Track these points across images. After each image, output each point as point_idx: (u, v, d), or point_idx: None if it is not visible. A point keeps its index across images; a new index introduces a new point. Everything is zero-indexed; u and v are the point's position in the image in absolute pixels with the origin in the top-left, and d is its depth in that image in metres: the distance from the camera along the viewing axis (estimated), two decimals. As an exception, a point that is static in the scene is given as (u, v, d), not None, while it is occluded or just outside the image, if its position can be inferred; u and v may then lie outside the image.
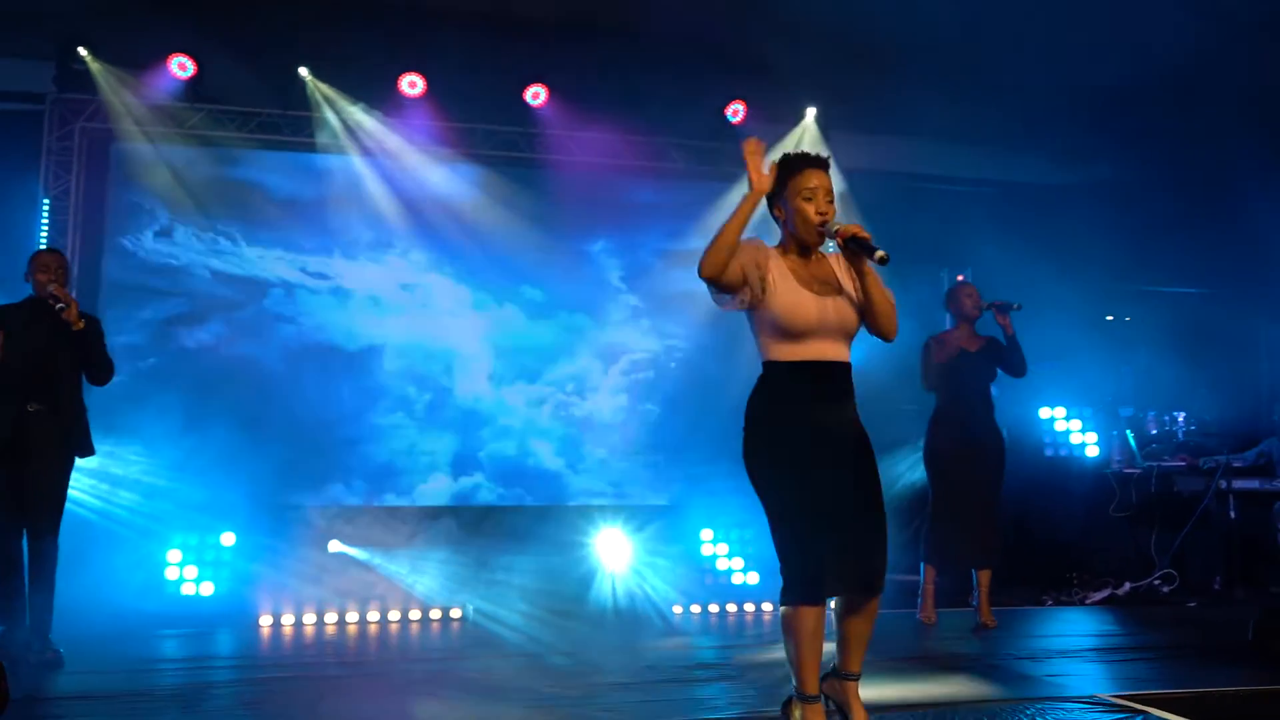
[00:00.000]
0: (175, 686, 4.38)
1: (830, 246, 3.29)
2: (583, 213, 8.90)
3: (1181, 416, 8.55)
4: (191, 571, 7.28)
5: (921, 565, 6.12)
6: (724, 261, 3.11)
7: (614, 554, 7.48)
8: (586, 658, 4.76)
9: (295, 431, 8.00)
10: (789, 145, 9.31)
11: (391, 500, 8.35)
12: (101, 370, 4.96)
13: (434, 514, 7.97)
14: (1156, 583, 6.76)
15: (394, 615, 6.65)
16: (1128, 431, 7.58)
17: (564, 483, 8.72)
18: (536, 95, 8.84)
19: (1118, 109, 9.01)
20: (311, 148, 8.48)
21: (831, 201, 3.27)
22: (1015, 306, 6.03)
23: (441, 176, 8.66)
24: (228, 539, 7.40)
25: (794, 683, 3.19)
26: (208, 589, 7.24)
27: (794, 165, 3.29)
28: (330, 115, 8.41)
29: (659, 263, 9.09)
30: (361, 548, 7.09)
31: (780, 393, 3.20)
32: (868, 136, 9.91)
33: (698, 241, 8.92)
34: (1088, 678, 4.01)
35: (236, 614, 6.74)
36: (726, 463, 8.56)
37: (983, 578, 5.83)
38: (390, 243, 8.65)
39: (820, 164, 3.32)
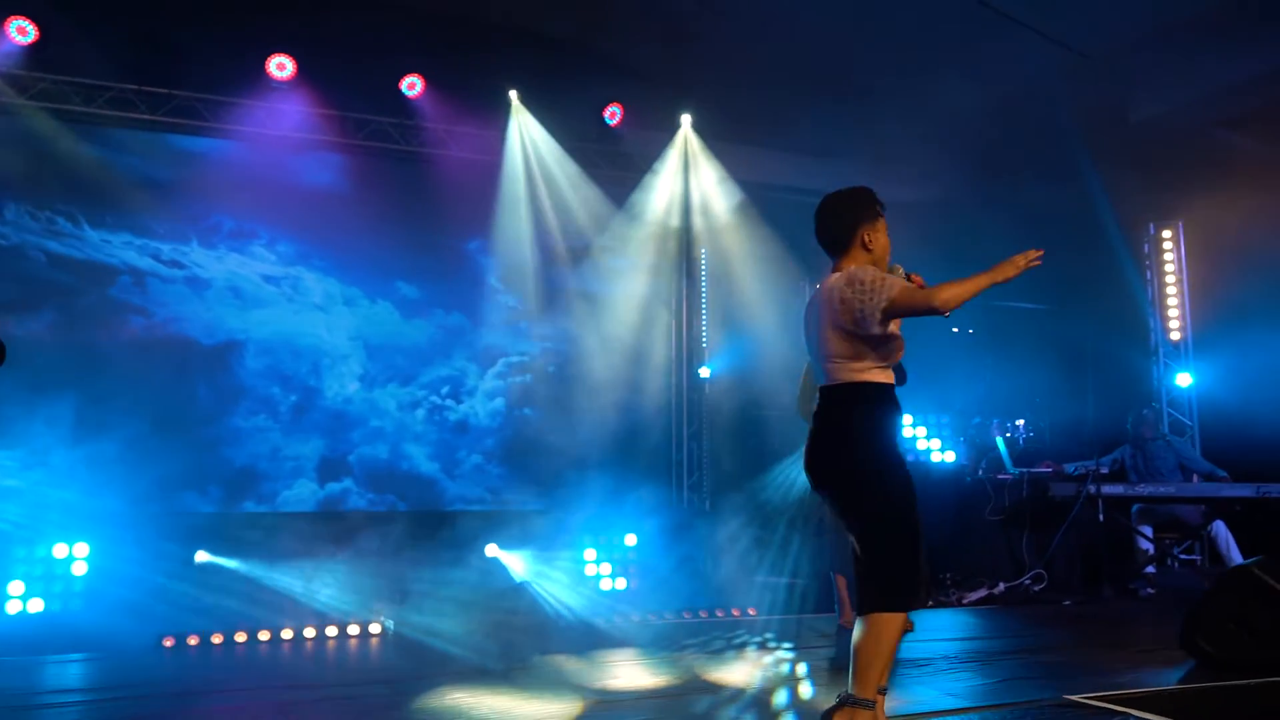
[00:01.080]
0: None
1: None
2: (459, 210, 8.60)
3: (1020, 423, 9.02)
4: (17, 587, 6.41)
5: (832, 574, 6.13)
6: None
7: (518, 563, 7.14)
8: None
9: (143, 432, 7.32)
10: (674, 151, 9.34)
11: (251, 507, 7.78)
12: None
13: (313, 520, 7.44)
14: (1027, 582, 7.06)
15: (287, 634, 5.83)
16: (999, 440, 7.92)
17: (440, 488, 8.36)
18: (413, 86, 8.49)
19: (963, 133, 9.43)
20: (170, 127, 7.87)
21: None
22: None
23: (311, 165, 8.22)
24: (60, 550, 6.55)
25: (856, 685, 3.04)
26: (36, 605, 6.41)
27: (880, 204, 3.39)
28: (195, 94, 7.81)
29: (537, 264, 8.88)
30: (234, 559, 6.50)
31: (889, 413, 3.25)
32: (742, 146, 10.05)
33: (573, 243, 8.95)
34: (1037, 680, 4.05)
35: (75, 636, 5.86)
36: (605, 467, 8.60)
37: None
38: (255, 232, 8.11)
39: (881, 210, 3.42)
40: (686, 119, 9.49)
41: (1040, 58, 8.53)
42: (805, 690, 4.11)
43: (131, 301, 7.73)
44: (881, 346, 3.21)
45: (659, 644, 5.27)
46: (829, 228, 3.38)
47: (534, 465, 8.62)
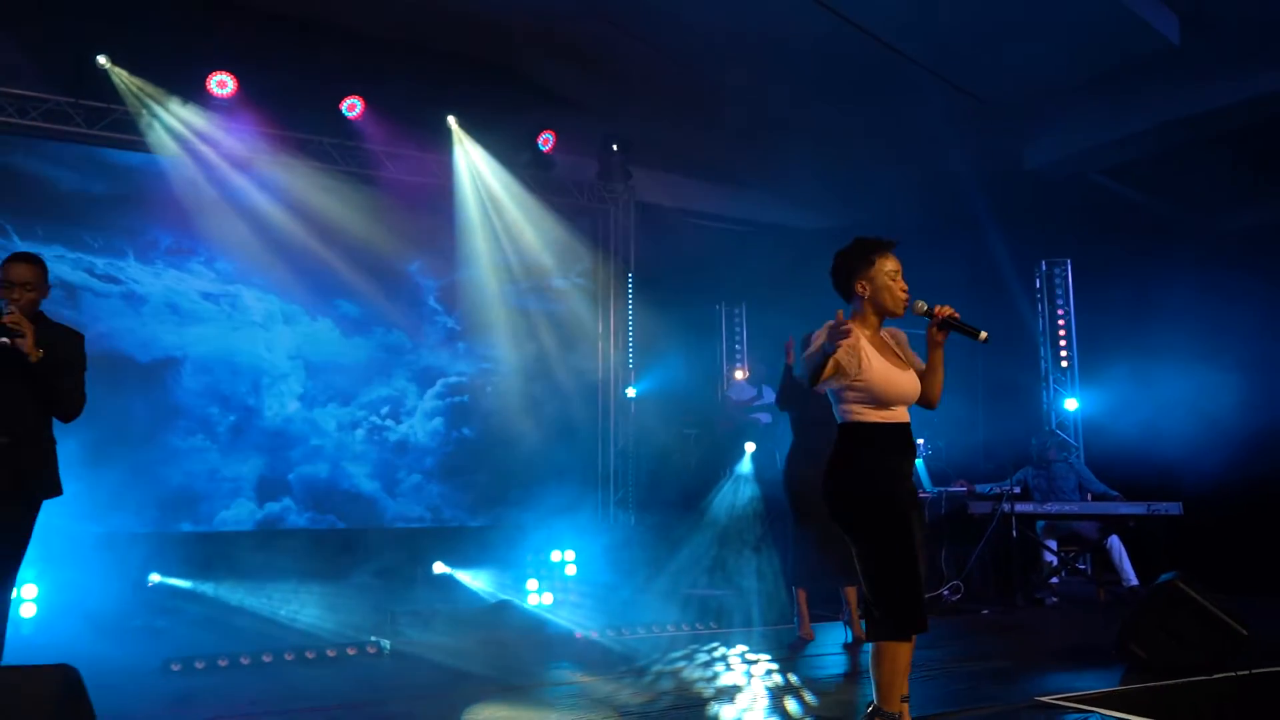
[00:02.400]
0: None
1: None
2: (401, 231, 8.73)
3: (921, 441, 9.68)
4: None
5: (793, 588, 6.52)
6: (820, 378, 3.42)
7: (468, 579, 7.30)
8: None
9: (74, 452, 7.19)
10: (610, 181, 9.67)
11: (188, 528, 7.73)
12: (64, 402, 4.15)
13: (262, 539, 7.45)
14: (946, 593, 7.66)
15: (289, 656, 5.51)
16: (919, 460, 8.51)
17: (380, 506, 8.46)
18: (353, 107, 8.58)
19: (866, 169, 10.05)
20: (107, 142, 7.77)
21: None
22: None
23: (252, 183, 8.20)
24: None
25: (881, 700, 3.40)
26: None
27: (880, 248, 3.58)
28: (134, 109, 7.74)
29: (476, 285, 9.08)
30: (186, 579, 6.49)
31: (875, 451, 3.49)
32: (663, 174, 10.47)
33: (511, 265, 9.18)
34: (998, 685, 4.54)
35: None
36: (539, 484, 8.85)
37: (850, 594, 6.32)
38: (194, 249, 8.06)
39: (893, 246, 3.62)
40: (615, 148, 9.81)
41: (944, 103, 9.22)
42: (810, 698, 4.47)
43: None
44: (854, 391, 3.47)
45: (642, 657, 5.52)
46: (836, 284, 3.68)
47: (473, 483, 8.82)
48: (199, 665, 5.02)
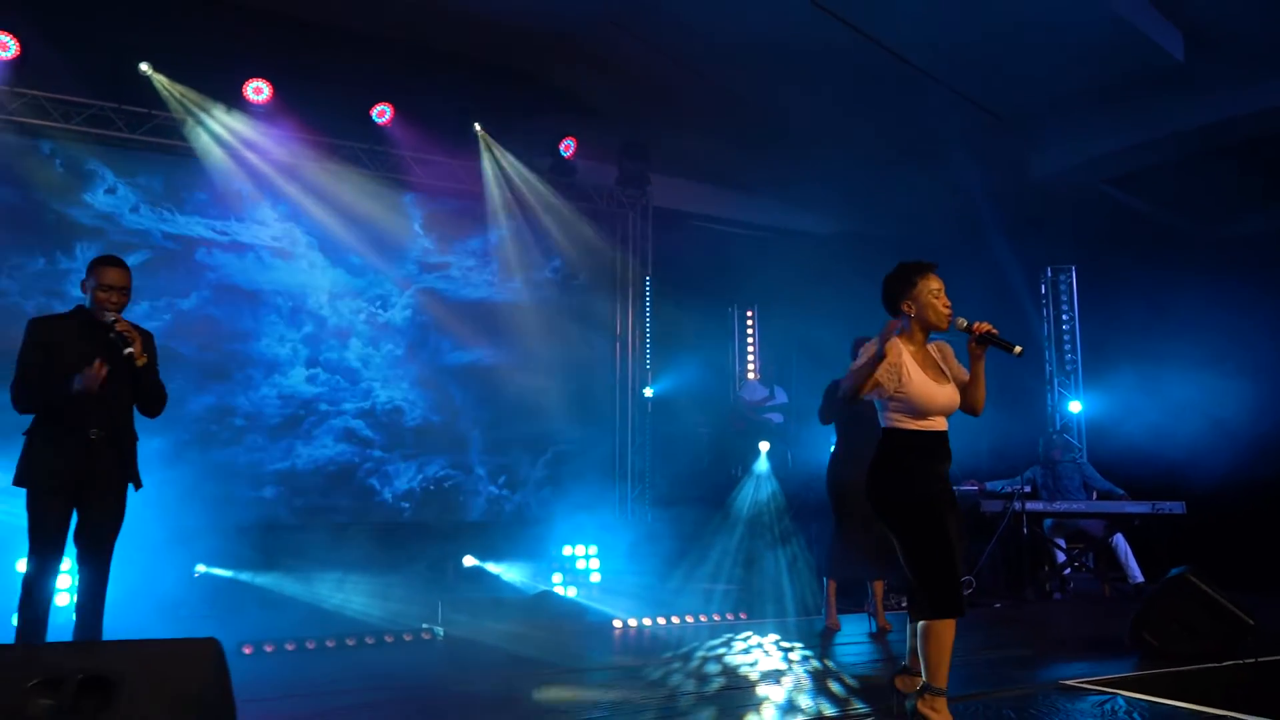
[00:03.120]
0: None
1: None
2: (432, 229, 9.07)
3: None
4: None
5: (824, 579, 6.81)
6: (862, 391, 3.77)
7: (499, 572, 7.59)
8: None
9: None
10: (628, 186, 9.95)
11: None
12: (156, 404, 4.46)
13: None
14: (958, 586, 7.92)
15: (350, 641, 5.78)
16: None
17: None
18: (383, 114, 8.84)
19: (879, 177, 10.35)
20: (147, 146, 8.05)
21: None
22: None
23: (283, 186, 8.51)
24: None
25: (930, 677, 3.73)
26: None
27: (921, 270, 3.93)
28: (177, 114, 8.02)
29: (500, 286, 9.37)
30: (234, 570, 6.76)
31: (916, 455, 3.83)
32: (680, 179, 10.74)
33: (539, 260, 9.45)
34: (1024, 670, 4.83)
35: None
36: (560, 480, 9.14)
37: (878, 588, 6.63)
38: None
39: (934, 268, 3.97)
40: (634, 155, 10.08)
41: (955, 114, 9.52)
42: (850, 680, 4.74)
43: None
44: (896, 401, 3.82)
45: (684, 644, 5.78)
46: (885, 305, 4.04)
47: (493, 473, 9.11)
48: (268, 649, 5.29)
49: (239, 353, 8.26)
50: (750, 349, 11.31)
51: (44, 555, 4.11)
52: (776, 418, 10.17)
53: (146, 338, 4.46)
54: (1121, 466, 9.03)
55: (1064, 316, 10.07)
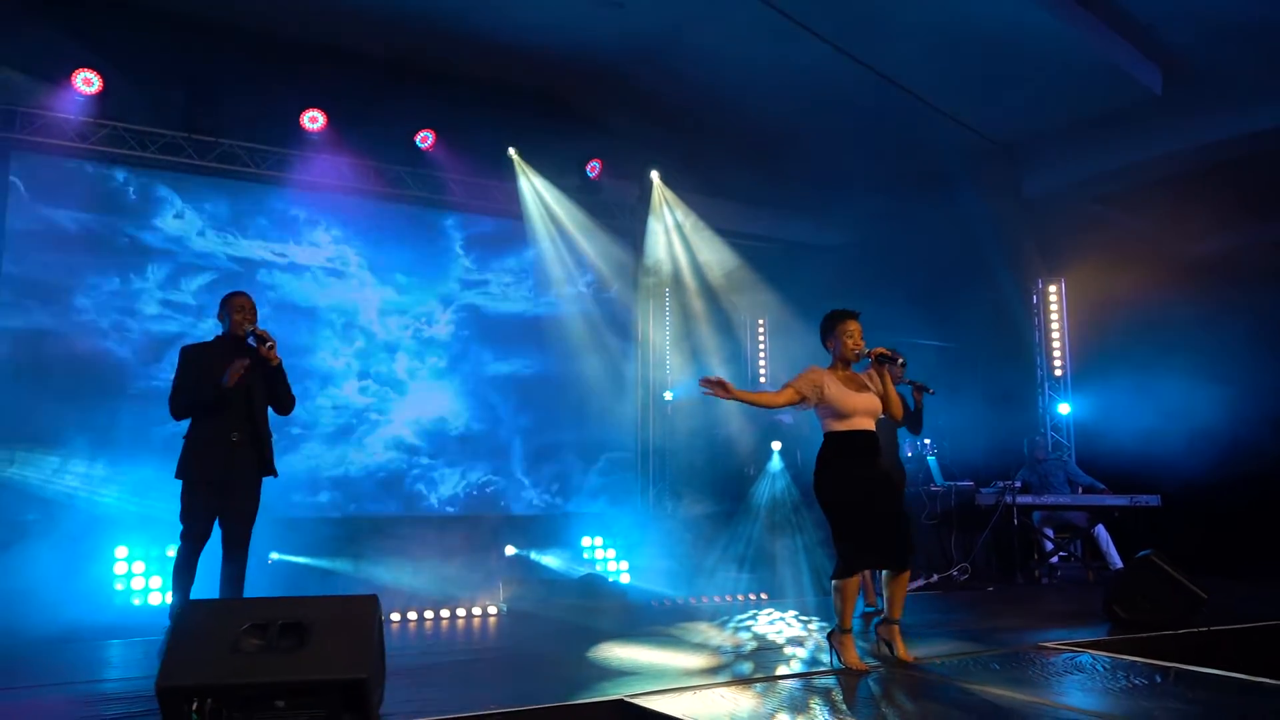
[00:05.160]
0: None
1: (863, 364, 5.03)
2: (473, 246, 9.86)
3: (928, 441, 10.73)
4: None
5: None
6: (773, 407, 4.94)
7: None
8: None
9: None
10: (651, 205, 10.75)
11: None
12: (287, 401, 5.30)
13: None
14: (956, 574, 8.73)
15: (411, 615, 6.77)
16: (930, 459, 9.58)
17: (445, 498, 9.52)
18: (425, 139, 9.62)
19: (884, 195, 11.10)
20: (215, 172, 8.81)
21: (861, 336, 4.94)
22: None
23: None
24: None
25: (839, 622, 4.72)
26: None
27: (841, 317, 4.98)
28: (238, 142, 8.82)
29: (535, 295, 10.16)
30: (304, 557, 7.56)
31: (844, 456, 4.81)
32: (697, 196, 11.50)
33: (574, 273, 10.23)
34: (1008, 635, 5.61)
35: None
36: (588, 476, 9.93)
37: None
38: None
39: (855, 315, 5.00)
40: (656, 174, 10.87)
41: (953, 138, 10.32)
42: (861, 643, 5.51)
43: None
44: (823, 408, 4.81)
45: (718, 617, 6.58)
46: (821, 334, 5.07)
47: (530, 472, 9.90)
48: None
49: (296, 366, 8.88)
50: (762, 355, 12.10)
51: (192, 540, 4.93)
52: (787, 419, 10.95)
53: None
54: (1105, 463, 9.80)
55: (1054, 326, 10.84)
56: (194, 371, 5.08)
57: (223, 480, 4.98)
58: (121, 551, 7.46)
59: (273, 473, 5.20)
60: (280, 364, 5.19)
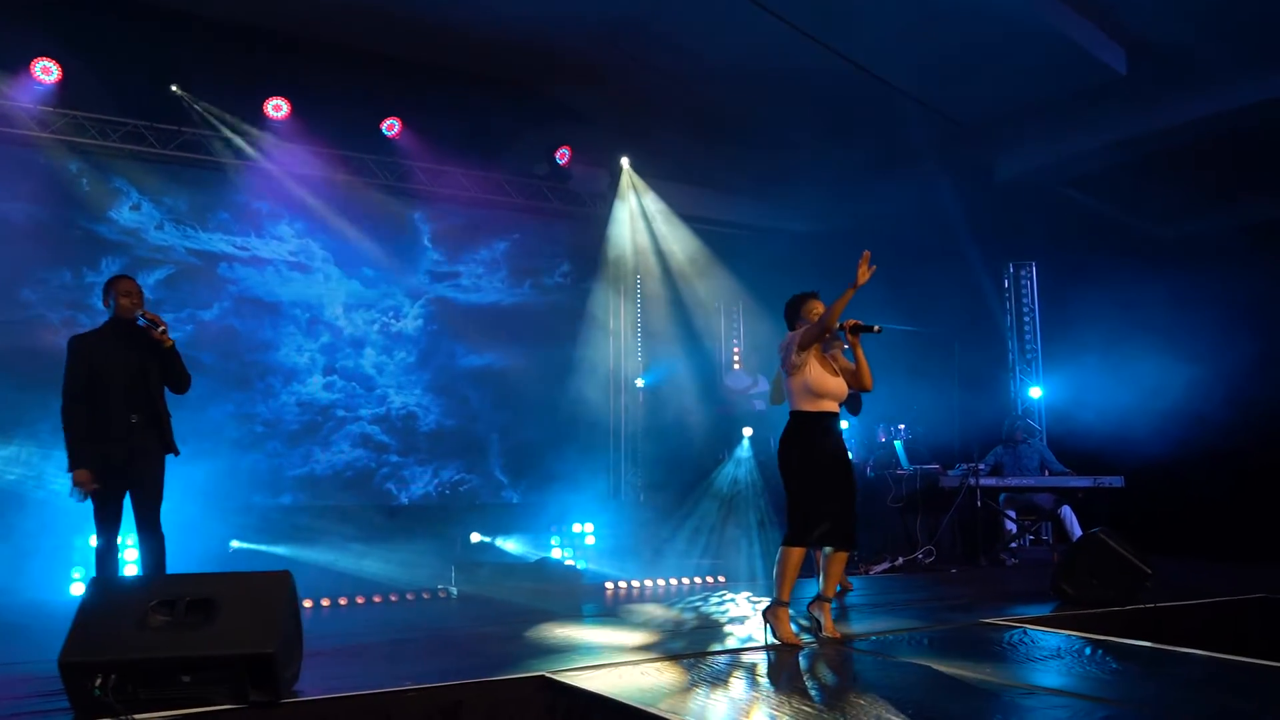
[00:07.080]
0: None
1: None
2: (446, 238, 9.86)
3: (902, 426, 10.73)
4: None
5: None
6: (821, 338, 4.86)
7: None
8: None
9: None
10: (620, 191, 10.74)
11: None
12: (184, 381, 5.26)
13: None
14: (920, 556, 8.73)
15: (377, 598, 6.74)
16: (897, 442, 9.58)
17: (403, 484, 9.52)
18: (391, 127, 9.59)
19: (853, 181, 11.10)
20: (177, 160, 8.79)
21: None
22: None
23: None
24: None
25: (776, 594, 4.79)
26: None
27: (806, 298, 5.12)
28: (200, 130, 8.79)
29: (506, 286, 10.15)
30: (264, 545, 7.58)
31: (807, 430, 4.89)
32: (667, 183, 11.49)
33: (538, 267, 10.23)
34: (955, 614, 5.62)
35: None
36: (561, 462, 9.93)
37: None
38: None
39: (816, 294, 5.14)
40: (625, 161, 10.86)
41: (923, 122, 10.30)
42: (804, 621, 5.52)
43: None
44: (798, 384, 4.85)
45: (665, 600, 6.62)
46: (787, 318, 5.19)
47: (504, 464, 9.89)
48: (307, 604, 6.09)
49: (259, 362, 8.95)
50: (735, 341, 12.10)
51: (107, 524, 4.92)
52: (759, 404, 10.96)
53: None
54: (1073, 444, 9.81)
55: (1025, 309, 10.84)
56: (83, 366, 5.02)
57: (125, 462, 4.97)
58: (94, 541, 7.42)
59: (174, 450, 5.17)
60: (174, 345, 5.11)
